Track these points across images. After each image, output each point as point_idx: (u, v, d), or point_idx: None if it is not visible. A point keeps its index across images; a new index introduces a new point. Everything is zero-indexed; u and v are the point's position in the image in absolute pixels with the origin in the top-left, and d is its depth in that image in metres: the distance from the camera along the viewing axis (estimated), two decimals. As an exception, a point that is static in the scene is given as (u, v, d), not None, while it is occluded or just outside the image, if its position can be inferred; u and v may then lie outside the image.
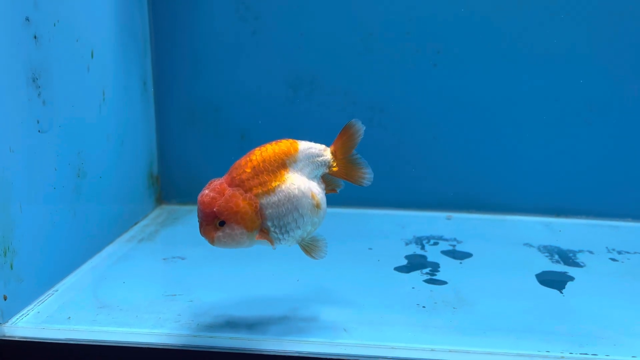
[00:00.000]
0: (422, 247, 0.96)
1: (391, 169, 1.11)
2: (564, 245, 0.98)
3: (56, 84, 0.81)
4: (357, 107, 1.11)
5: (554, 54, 1.06)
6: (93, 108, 0.92)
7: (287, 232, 0.66)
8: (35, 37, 0.76)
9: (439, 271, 0.87)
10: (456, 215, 1.12)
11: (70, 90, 0.85)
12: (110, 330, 0.70)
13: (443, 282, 0.83)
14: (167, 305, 0.76)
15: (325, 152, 0.70)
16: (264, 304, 0.77)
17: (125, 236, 1.01)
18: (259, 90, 1.13)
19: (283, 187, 0.65)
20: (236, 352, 0.66)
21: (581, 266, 0.90)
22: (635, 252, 0.95)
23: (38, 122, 0.77)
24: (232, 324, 0.72)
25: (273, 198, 0.65)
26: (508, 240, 1.00)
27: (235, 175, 0.65)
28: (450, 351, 0.66)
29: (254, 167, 0.65)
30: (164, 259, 0.93)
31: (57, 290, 0.80)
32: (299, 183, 0.66)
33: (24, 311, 0.74)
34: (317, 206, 0.67)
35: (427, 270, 0.87)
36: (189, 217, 1.11)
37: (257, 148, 0.67)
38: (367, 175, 0.71)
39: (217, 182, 0.65)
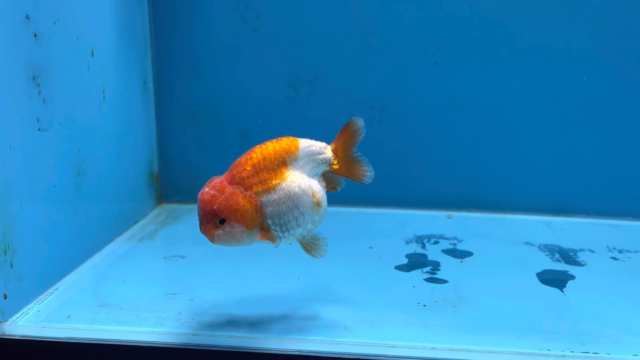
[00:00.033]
0: (423, 246, 0.96)
1: (392, 167, 1.11)
2: (565, 244, 0.98)
3: (56, 82, 0.80)
4: (358, 106, 1.11)
5: (554, 53, 1.06)
6: (93, 106, 0.92)
7: (288, 230, 0.66)
8: (35, 36, 0.76)
9: (439, 270, 0.87)
10: (457, 214, 1.12)
11: (71, 88, 0.85)
12: (111, 329, 0.70)
13: (444, 281, 0.83)
14: (167, 304, 0.76)
15: (326, 150, 0.69)
16: (264, 302, 0.77)
17: (126, 235, 1.01)
18: (259, 89, 1.13)
19: (283, 185, 0.65)
20: (237, 351, 0.66)
21: (582, 265, 0.90)
22: (636, 251, 0.95)
23: (38, 120, 0.77)
24: (232, 323, 0.72)
25: (273, 196, 0.65)
26: (509, 239, 1.00)
27: (235, 173, 0.65)
28: (451, 350, 0.66)
29: (255, 165, 0.65)
30: (164, 258, 0.92)
31: (57, 289, 0.80)
32: (299, 181, 0.66)
33: (24, 310, 0.74)
34: (318, 204, 0.67)
35: (427, 269, 0.87)
36: (189, 216, 1.11)
37: (258, 146, 0.67)
38: (368, 173, 0.71)
39: (218, 180, 0.65)
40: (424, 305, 0.76)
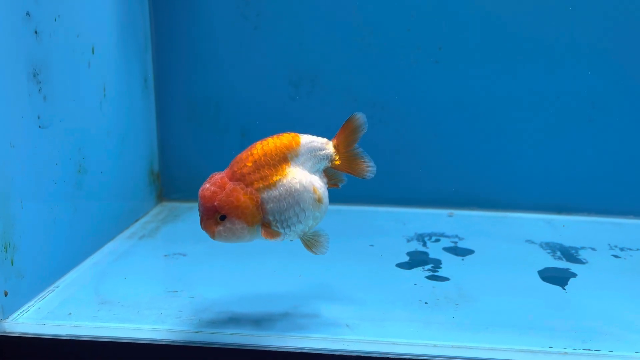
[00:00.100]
0: (424, 244, 0.96)
1: (392, 166, 1.11)
2: (566, 242, 0.97)
3: (57, 79, 0.80)
4: (359, 104, 1.11)
5: (556, 51, 1.06)
6: (94, 104, 0.92)
7: (289, 226, 0.66)
8: (36, 32, 0.76)
9: (441, 268, 0.87)
10: (458, 213, 1.11)
11: (71, 86, 0.84)
12: (112, 326, 0.70)
13: (445, 279, 0.83)
14: (168, 302, 0.76)
15: (327, 146, 0.69)
16: (265, 300, 0.77)
17: (126, 233, 1.01)
18: (260, 88, 1.13)
19: (284, 181, 0.65)
20: (238, 348, 0.66)
21: (583, 263, 0.89)
22: (637, 249, 0.95)
23: (39, 117, 0.77)
24: (233, 320, 0.71)
25: (274, 192, 0.65)
26: (510, 237, 1.00)
27: (236, 169, 0.65)
28: (452, 347, 0.66)
29: (255, 161, 0.65)
30: (165, 256, 0.92)
31: (58, 287, 0.80)
32: (300, 177, 0.66)
33: (25, 307, 0.74)
34: (319, 200, 0.67)
35: (429, 266, 0.87)
36: (190, 214, 1.10)
37: (259, 142, 0.66)
38: (370, 168, 0.71)
39: (218, 176, 0.65)
40: (426, 303, 0.76)
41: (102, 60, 0.93)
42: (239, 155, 0.66)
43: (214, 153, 1.14)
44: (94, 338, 0.68)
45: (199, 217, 0.65)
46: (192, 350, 0.67)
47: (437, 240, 0.98)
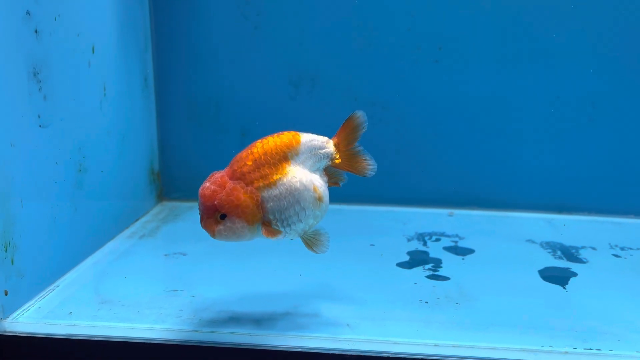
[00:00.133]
0: (424, 244, 0.96)
1: (393, 165, 1.11)
2: (567, 241, 0.97)
3: (57, 78, 0.80)
4: (359, 104, 1.11)
5: (556, 50, 1.06)
6: (94, 103, 0.92)
7: (289, 225, 0.66)
8: (36, 32, 0.76)
9: (441, 267, 0.87)
10: (458, 212, 1.11)
11: (71, 85, 0.84)
12: (112, 325, 0.70)
13: (446, 278, 0.83)
14: (168, 301, 0.76)
15: (328, 145, 0.69)
16: (266, 299, 0.77)
17: (127, 232, 1.01)
18: (260, 87, 1.13)
19: (285, 180, 0.65)
20: (238, 348, 0.66)
21: (584, 262, 0.89)
22: (638, 248, 0.95)
23: (39, 116, 0.77)
24: (234, 320, 0.71)
25: (274, 191, 0.64)
26: (510, 237, 1.00)
27: (236, 168, 0.64)
28: (453, 346, 0.66)
29: (255, 160, 0.65)
30: (166, 255, 0.92)
31: (58, 286, 0.80)
32: (300, 176, 0.66)
33: (25, 306, 0.74)
34: (320, 199, 0.67)
35: (429, 266, 0.87)
36: (190, 214, 1.10)
37: (259, 140, 0.66)
38: (370, 166, 0.70)
39: (218, 175, 0.65)
40: (426, 302, 0.76)
41: (102, 60, 0.93)
42: (239, 154, 0.66)
43: (214, 152, 1.14)
44: (94, 337, 0.68)
45: (199, 216, 0.65)
46: (192, 349, 0.67)
47: (437, 240, 0.98)
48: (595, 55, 1.06)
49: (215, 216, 0.63)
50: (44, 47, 0.77)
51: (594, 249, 0.95)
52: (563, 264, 0.89)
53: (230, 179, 0.64)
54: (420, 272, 0.85)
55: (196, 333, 0.68)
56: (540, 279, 0.83)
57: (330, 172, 0.70)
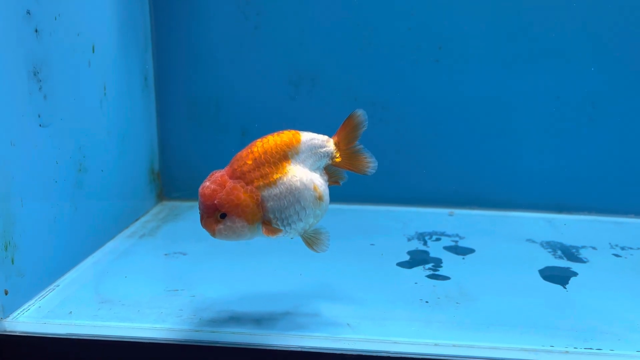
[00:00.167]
0: (425, 243, 0.96)
1: (393, 165, 1.11)
2: (567, 241, 0.97)
3: (57, 78, 0.80)
4: (359, 103, 1.10)
5: (556, 50, 1.06)
6: (94, 103, 0.92)
7: (289, 224, 0.65)
8: (36, 31, 0.76)
9: (441, 267, 0.87)
10: (458, 212, 1.11)
11: (71, 84, 0.84)
12: (112, 325, 0.70)
13: (446, 278, 0.83)
14: (168, 301, 0.76)
15: (328, 143, 0.69)
16: (266, 299, 0.77)
17: (127, 232, 1.01)
18: (260, 87, 1.13)
19: (285, 179, 0.65)
20: (239, 347, 0.66)
21: (584, 262, 0.89)
22: (638, 248, 0.95)
23: (39, 116, 0.77)
24: (234, 319, 0.71)
25: (274, 190, 0.64)
26: (511, 236, 1.00)
27: (236, 167, 0.64)
28: (454, 346, 0.66)
29: (255, 159, 0.64)
30: (166, 255, 0.92)
31: (58, 285, 0.80)
32: (300, 175, 0.66)
33: (25, 306, 0.74)
34: (320, 198, 0.67)
35: (429, 265, 0.87)
36: (190, 213, 1.10)
37: (259, 139, 0.66)
38: (371, 164, 0.70)
39: (219, 174, 0.65)
40: (427, 302, 0.76)
41: (102, 59, 0.93)
42: (239, 153, 0.65)
43: (214, 152, 1.14)
44: (95, 337, 0.68)
45: (199, 216, 0.65)
46: (192, 349, 0.67)
47: (437, 240, 0.98)
48: (595, 55, 1.06)
49: (216, 215, 0.63)
50: (44, 46, 0.77)
51: (594, 248, 0.95)
52: (563, 263, 0.89)
53: (230, 178, 0.64)
54: (420, 272, 0.85)
55: (196, 333, 0.68)
56: (541, 279, 0.83)
57: (330, 171, 0.70)
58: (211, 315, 0.72)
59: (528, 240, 0.98)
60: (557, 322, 0.71)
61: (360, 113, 0.70)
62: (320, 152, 0.68)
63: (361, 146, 0.70)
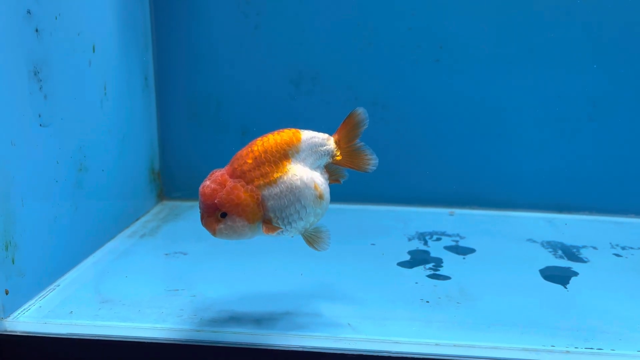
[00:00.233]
0: (425, 243, 0.96)
1: (393, 165, 1.11)
2: (568, 241, 0.97)
3: (57, 77, 0.80)
4: (359, 103, 1.09)
5: (557, 50, 1.06)
6: (94, 102, 0.92)
7: (290, 223, 0.65)
8: (36, 31, 0.76)
9: (442, 266, 0.87)
10: (459, 211, 1.11)
11: (72, 84, 0.84)
12: (113, 325, 0.70)
13: (446, 277, 0.83)
14: (169, 300, 0.76)
15: (328, 142, 0.69)
16: (267, 299, 0.77)
17: (127, 232, 1.01)
18: (260, 86, 1.13)
19: (285, 178, 0.65)
20: (239, 347, 0.66)
21: (585, 261, 0.89)
22: (639, 248, 0.95)
23: (39, 116, 0.77)
24: (235, 319, 0.71)
25: (275, 189, 0.64)
26: (511, 236, 1.00)
27: (236, 167, 0.64)
28: (454, 346, 0.66)
29: (256, 158, 0.64)
30: (166, 255, 0.92)
31: (58, 285, 0.80)
32: (301, 174, 0.66)
33: (26, 306, 0.74)
34: (320, 197, 0.66)
35: (430, 265, 0.87)
36: (191, 213, 1.10)
37: (259, 138, 0.66)
38: (372, 161, 0.70)
39: (219, 173, 0.65)
40: (427, 302, 0.76)
41: (102, 59, 0.93)
42: (240, 152, 0.65)
43: (214, 152, 1.14)
44: (95, 337, 0.68)
45: (199, 215, 0.65)
46: (193, 349, 0.67)
47: (438, 239, 0.98)
48: (595, 55, 1.06)
49: (216, 215, 0.63)
50: (45, 46, 0.77)
51: (594, 248, 0.95)
52: (564, 263, 0.89)
53: (231, 177, 0.64)
54: (421, 272, 0.85)
55: (197, 332, 0.68)
56: (542, 279, 0.83)
57: (331, 170, 0.70)
58: (212, 315, 0.72)
59: (529, 240, 0.98)
60: (557, 322, 0.71)
61: (361, 111, 0.69)
62: (321, 150, 0.68)
63: (362, 144, 0.70)
